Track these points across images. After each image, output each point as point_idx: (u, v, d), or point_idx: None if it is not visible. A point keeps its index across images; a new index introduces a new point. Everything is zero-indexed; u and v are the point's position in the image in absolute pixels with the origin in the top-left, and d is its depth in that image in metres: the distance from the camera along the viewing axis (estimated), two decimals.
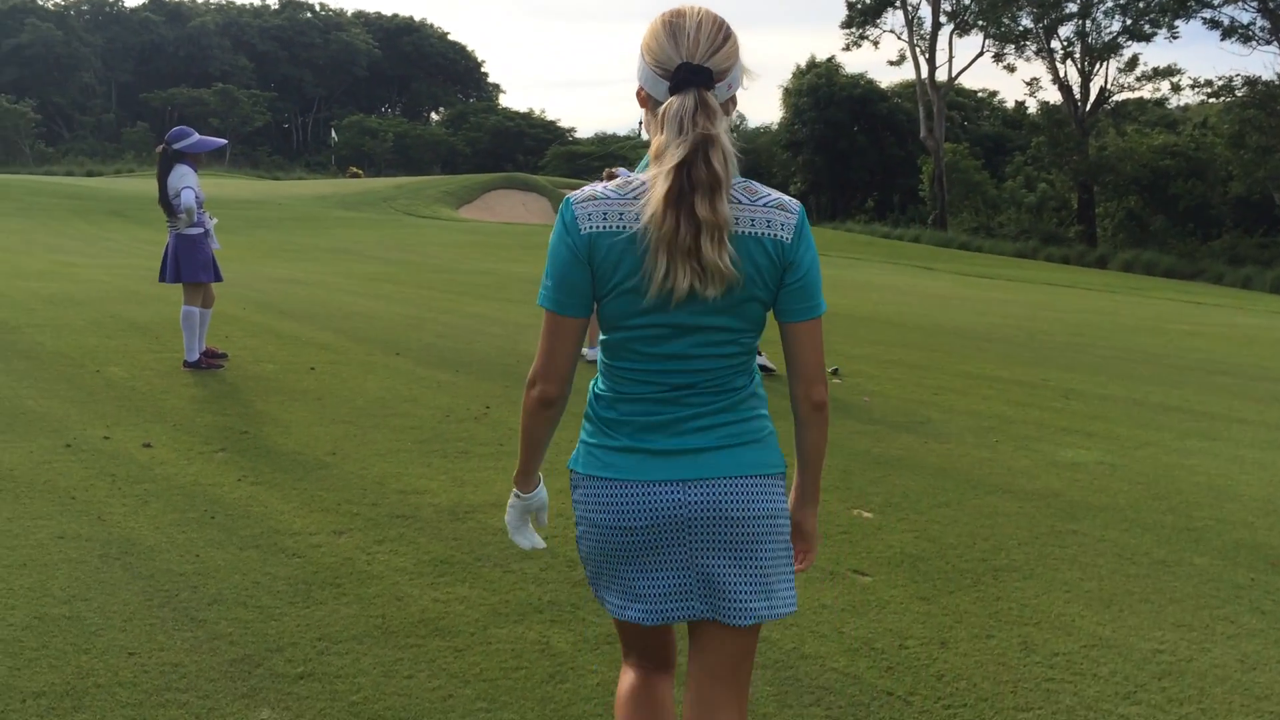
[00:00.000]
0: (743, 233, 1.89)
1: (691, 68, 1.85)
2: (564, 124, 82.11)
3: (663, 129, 1.85)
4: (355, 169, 65.20)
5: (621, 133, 76.26)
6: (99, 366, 7.63)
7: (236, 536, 4.40)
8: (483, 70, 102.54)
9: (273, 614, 3.66)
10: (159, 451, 5.59)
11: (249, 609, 3.69)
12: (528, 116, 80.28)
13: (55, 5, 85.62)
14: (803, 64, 58.57)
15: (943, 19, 47.36)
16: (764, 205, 1.92)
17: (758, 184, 1.95)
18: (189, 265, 7.65)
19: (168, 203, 7.67)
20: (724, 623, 2.01)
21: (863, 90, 56.21)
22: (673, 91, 1.86)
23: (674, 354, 1.94)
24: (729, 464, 1.99)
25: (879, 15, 48.77)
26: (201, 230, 7.73)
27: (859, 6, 48.73)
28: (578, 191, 1.96)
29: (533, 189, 42.23)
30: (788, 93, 58.65)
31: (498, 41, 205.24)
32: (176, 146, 7.61)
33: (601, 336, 2.03)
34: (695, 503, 1.97)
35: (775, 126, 61.63)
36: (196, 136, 7.64)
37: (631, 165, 49.12)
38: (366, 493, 5.08)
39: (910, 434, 6.89)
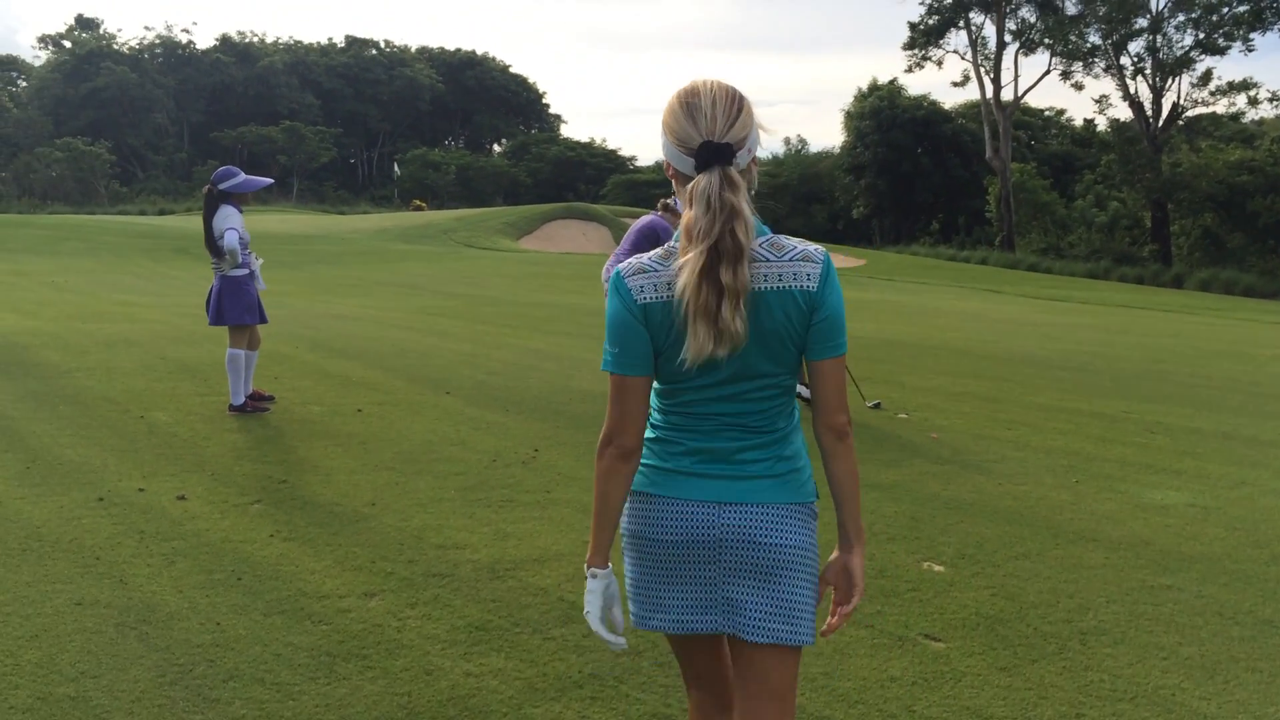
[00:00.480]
0: (772, 288, 2.06)
1: (713, 146, 2.03)
2: (625, 153, 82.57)
3: (692, 204, 2.03)
4: (419, 202, 65.86)
5: None
6: (144, 411, 7.50)
7: (262, 600, 4.15)
8: (544, 101, 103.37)
9: (291, 692, 3.39)
10: (193, 504, 5.38)
11: (266, 686, 3.42)
12: (589, 146, 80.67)
13: (130, 49, 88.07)
14: (864, 87, 58.11)
15: (1007, 38, 46.66)
16: (790, 260, 2.08)
17: (784, 238, 2.12)
18: (233, 308, 7.51)
19: (213, 244, 7.55)
20: (742, 638, 2.16)
21: (926, 112, 55.56)
22: (698, 169, 2.04)
23: (721, 397, 2.13)
24: (763, 492, 2.15)
25: (942, 36, 48.20)
26: (246, 271, 7.59)
27: (921, 27, 48.19)
28: (626, 265, 2.15)
29: (593, 218, 42.21)
30: (849, 116, 58.19)
31: (559, 73, 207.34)
32: (221, 187, 7.49)
33: (656, 385, 2.20)
34: (727, 524, 2.13)
35: (837, 150, 61.12)
36: (242, 177, 7.52)
37: None
38: (404, 548, 4.82)
39: (983, 474, 6.47)
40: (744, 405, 2.14)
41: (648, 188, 66.38)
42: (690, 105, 2.07)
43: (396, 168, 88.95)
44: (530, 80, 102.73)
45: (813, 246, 2.11)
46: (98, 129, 77.32)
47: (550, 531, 5.15)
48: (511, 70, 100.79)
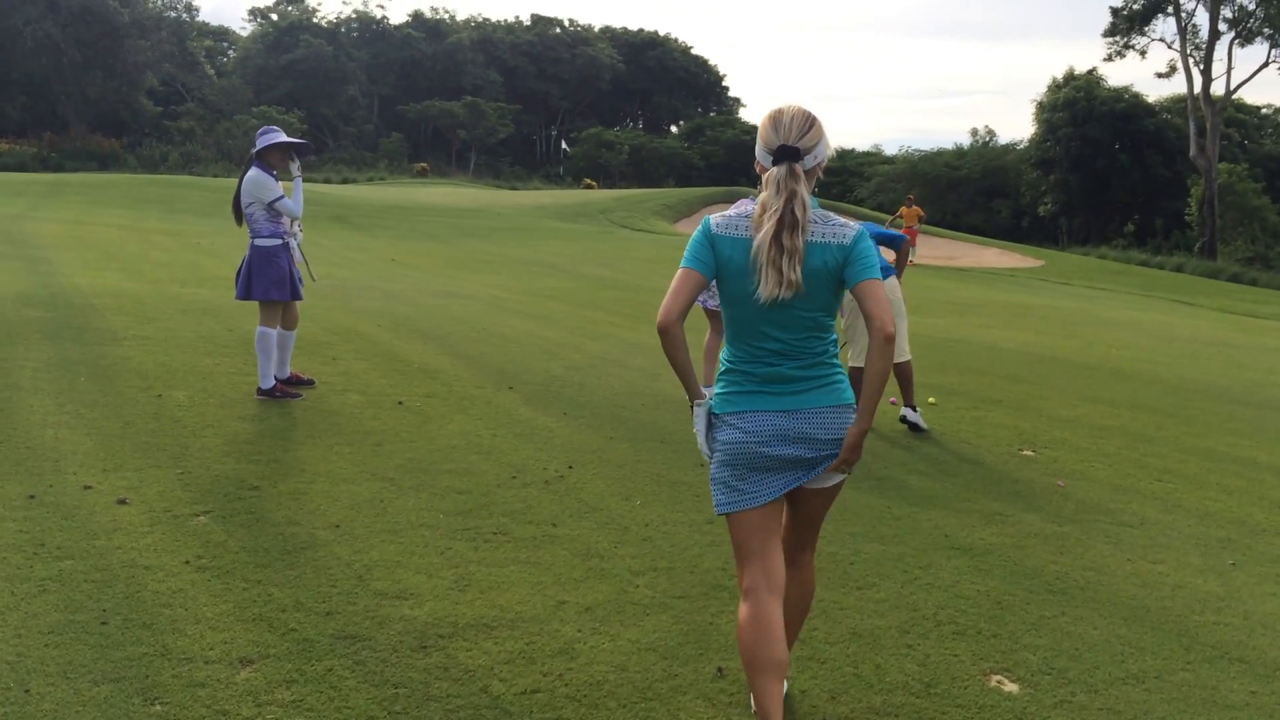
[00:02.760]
0: (817, 241, 2.87)
1: (786, 148, 2.88)
2: None
3: (767, 187, 2.89)
4: (589, 181, 65.79)
5: (862, 148, 73.74)
6: (165, 389, 6.87)
7: (109, 659, 3.30)
8: (724, 84, 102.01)
9: None
10: (129, 512, 4.62)
11: None
12: None
13: (328, 22, 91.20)
14: (1059, 76, 54.59)
15: (1222, 26, 42.76)
16: (832, 225, 2.91)
17: (832, 214, 2.95)
18: (260, 280, 6.79)
19: (238, 210, 6.85)
20: (808, 486, 3.05)
21: (1126, 104, 51.74)
22: (774, 164, 2.89)
23: (769, 320, 2.92)
24: (813, 400, 2.96)
25: (1148, 22, 44.65)
26: (278, 242, 6.86)
27: (1125, 13, 44.74)
28: (715, 216, 3.01)
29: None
30: (1041, 107, 54.83)
31: (743, 56, 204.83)
32: (255, 150, 6.77)
33: (724, 315, 3.03)
34: (791, 426, 2.95)
35: (1025, 143, 57.74)
36: (272, 135, 6.77)
37: (866, 179, 46.48)
38: (332, 594, 3.91)
39: (1110, 544, 5.12)
40: (787, 333, 2.92)
41: (823, 175, 64.45)
42: (775, 120, 2.91)
43: (565, 145, 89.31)
44: (711, 62, 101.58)
45: (852, 222, 2.90)
46: (294, 99, 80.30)
47: (525, 584, 4.15)
48: (693, 52, 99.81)
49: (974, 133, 63.42)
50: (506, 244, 25.37)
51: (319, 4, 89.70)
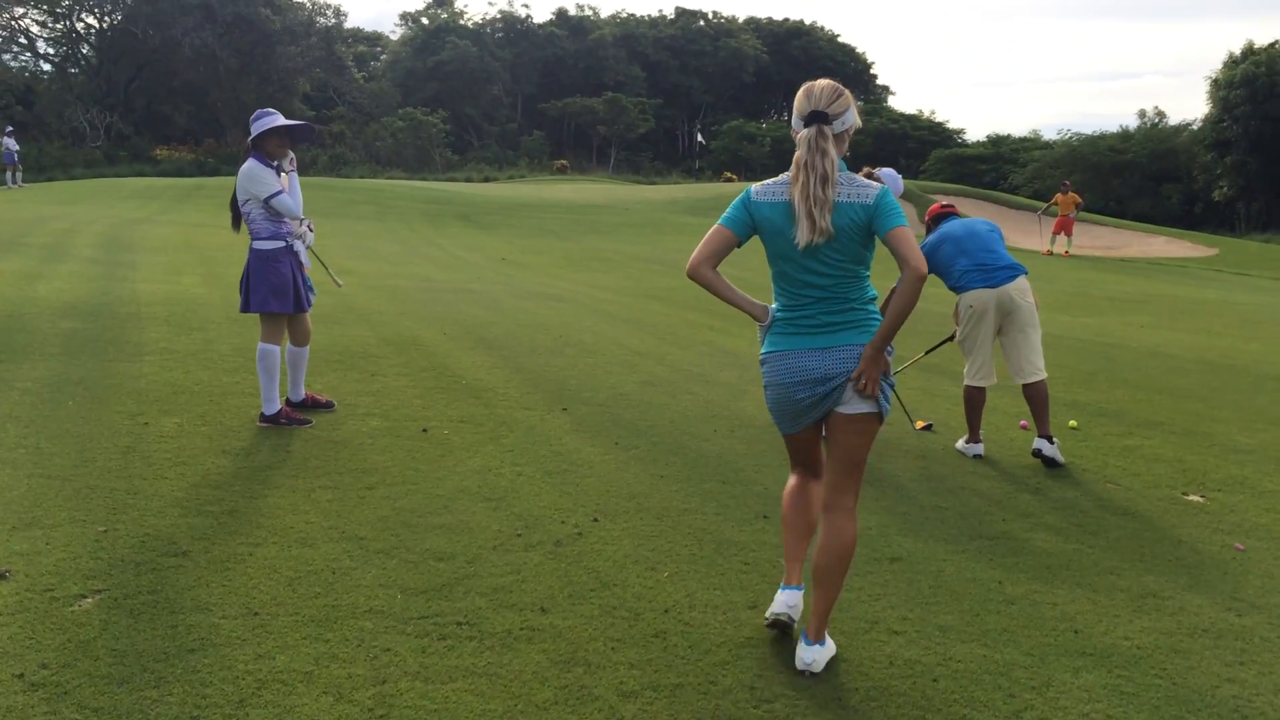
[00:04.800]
0: (844, 200, 3.20)
1: (817, 113, 3.24)
2: (953, 125, 76.94)
3: (800, 147, 3.24)
4: (729, 174, 64.40)
5: (1018, 133, 70.02)
6: (158, 415, 6.02)
7: None
8: (872, 72, 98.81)
9: None
10: (1, 590, 3.68)
11: None
12: (913, 119, 75.70)
13: (474, 24, 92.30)
14: (1237, 52, 50.39)
15: None
16: (858, 186, 3.20)
17: (856, 175, 3.25)
18: (259, 289, 5.86)
19: (236, 210, 5.94)
20: (838, 411, 3.37)
21: None
22: (805, 126, 3.26)
23: (807, 269, 3.29)
24: (845, 339, 3.31)
25: None
26: (280, 245, 5.91)
27: None
28: (756, 185, 3.37)
29: (901, 194, 38.64)
30: (1216, 85, 50.69)
31: (892, 43, 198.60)
32: (251, 138, 5.84)
33: (772, 273, 3.43)
34: (826, 364, 3.31)
35: (1199, 124, 53.59)
36: (268, 119, 5.80)
37: (1021, 166, 43.72)
38: None
39: None
40: (821, 279, 3.30)
41: (975, 163, 61.38)
42: (808, 91, 3.30)
43: (699, 137, 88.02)
44: (859, 50, 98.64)
45: (876, 183, 3.23)
46: (440, 100, 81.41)
47: (464, 716, 3.02)
48: (840, 40, 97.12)
49: (1141, 114, 59.25)
50: (629, 240, 24.36)
51: (465, 6, 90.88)
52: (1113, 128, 58.89)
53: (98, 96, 61.81)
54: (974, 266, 6.07)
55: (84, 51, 66.15)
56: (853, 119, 3.29)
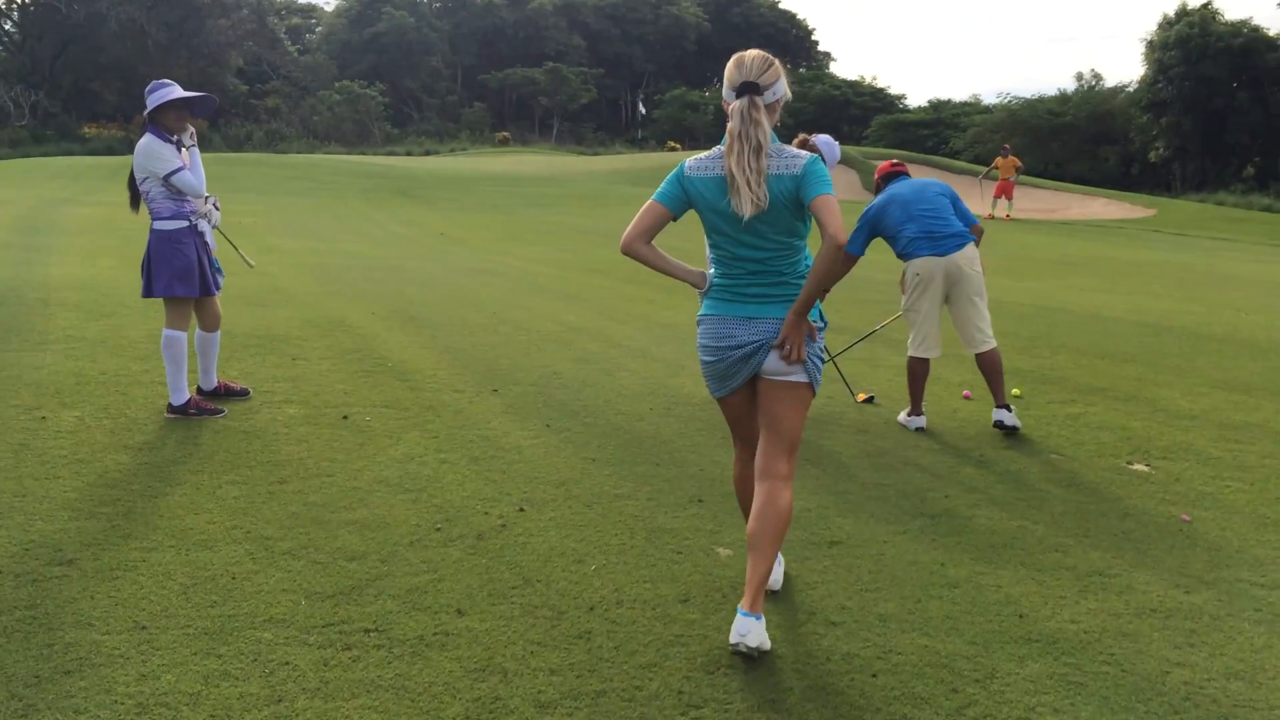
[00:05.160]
0: (776, 173, 3.22)
1: (749, 83, 3.24)
2: (894, 91, 77.04)
3: (732, 118, 3.24)
4: (673, 144, 64.04)
5: (959, 98, 70.36)
6: (58, 408, 5.66)
7: None
8: (814, 38, 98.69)
9: None
10: None
11: None
12: (855, 85, 75.54)
13: None
14: (1171, 13, 50.82)
15: None
16: (787, 156, 3.24)
17: (786, 146, 3.29)
18: (160, 274, 5.50)
19: (134, 189, 5.57)
20: (764, 377, 3.41)
21: (1245, 40, 47.78)
22: (737, 98, 3.26)
23: (745, 248, 3.32)
24: (773, 311, 3.34)
25: None
26: (183, 225, 5.56)
27: None
28: (690, 159, 3.36)
29: (841, 161, 38.58)
30: (1151, 46, 51.10)
31: (833, 7, 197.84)
32: (147, 111, 5.46)
33: (708, 242, 3.47)
34: (752, 333, 3.35)
35: (1134, 86, 54.09)
36: (164, 91, 5.43)
37: (962, 131, 43.74)
38: None
39: (1261, 625, 3.56)
40: (755, 252, 3.32)
41: (917, 128, 61.49)
42: (739, 62, 3.29)
43: (641, 107, 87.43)
44: (799, 17, 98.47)
45: (803, 152, 3.25)
46: (377, 73, 79.99)
47: None
48: (780, 6, 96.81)
49: (1079, 77, 59.83)
50: (570, 212, 24.01)
51: None
52: (1050, 91, 59.26)
53: (22, 74, 59.92)
54: (921, 234, 5.86)
55: (5, 27, 64.03)
56: (783, 90, 3.29)
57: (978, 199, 28.59)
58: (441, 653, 3.21)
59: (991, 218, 25.98)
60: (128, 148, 53.10)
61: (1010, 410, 5.86)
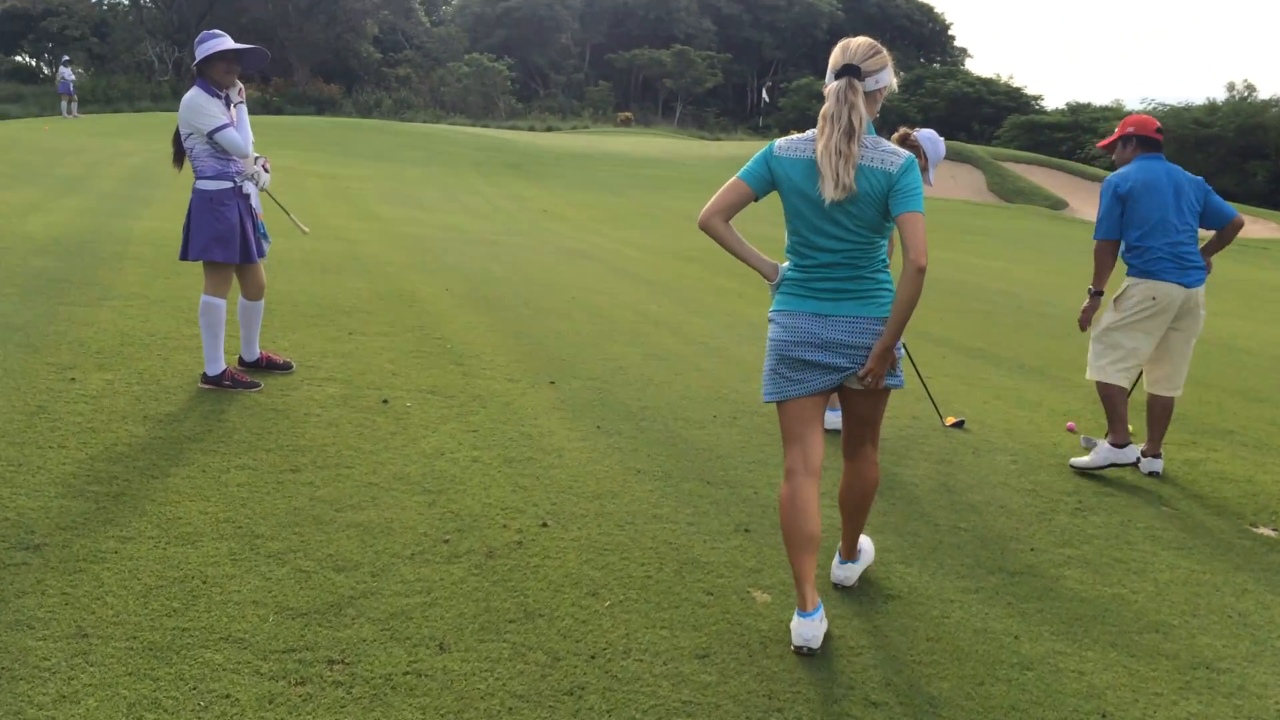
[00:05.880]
0: (869, 165, 3.07)
1: (849, 66, 3.10)
2: (1031, 91, 74.33)
3: (829, 99, 3.11)
4: (795, 133, 62.87)
5: (1100, 102, 67.50)
6: (92, 370, 5.41)
7: None
8: (950, 33, 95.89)
9: None
10: None
11: None
12: (989, 82, 73.07)
13: None
14: None
15: None
16: (884, 150, 3.09)
17: (884, 140, 3.13)
18: (199, 235, 5.19)
19: (178, 145, 5.26)
20: (850, 386, 3.31)
21: None
22: (836, 79, 3.12)
23: (825, 238, 3.17)
24: (849, 309, 3.20)
25: None
26: (227, 185, 5.23)
27: None
28: (780, 140, 3.22)
29: (968, 160, 37.11)
30: None
31: (973, 1, 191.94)
32: (195, 63, 5.14)
33: (788, 229, 3.28)
34: (827, 329, 3.21)
35: None
36: (215, 41, 5.10)
37: (1100, 136, 42.13)
38: None
39: None
40: (834, 243, 3.17)
41: (1051, 131, 59.14)
42: (844, 46, 3.16)
43: (765, 95, 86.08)
44: (937, 10, 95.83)
45: (902, 149, 3.11)
46: (508, 47, 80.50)
47: None
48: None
49: (1230, 87, 56.64)
50: (680, 197, 23.49)
51: None
52: (1198, 100, 56.33)
53: (169, 31, 61.88)
54: (1170, 254, 5.11)
55: None
56: (888, 79, 3.17)
57: None
58: (407, 698, 2.77)
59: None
60: (262, 107, 54.46)
61: (1159, 458, 5.29)
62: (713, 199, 3.26)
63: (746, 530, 4.14)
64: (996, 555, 4.12)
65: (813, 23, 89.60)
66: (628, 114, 68.85)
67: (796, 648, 3.18)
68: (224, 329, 5.34)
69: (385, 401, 5.41)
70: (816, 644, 3.17)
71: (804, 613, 3.19)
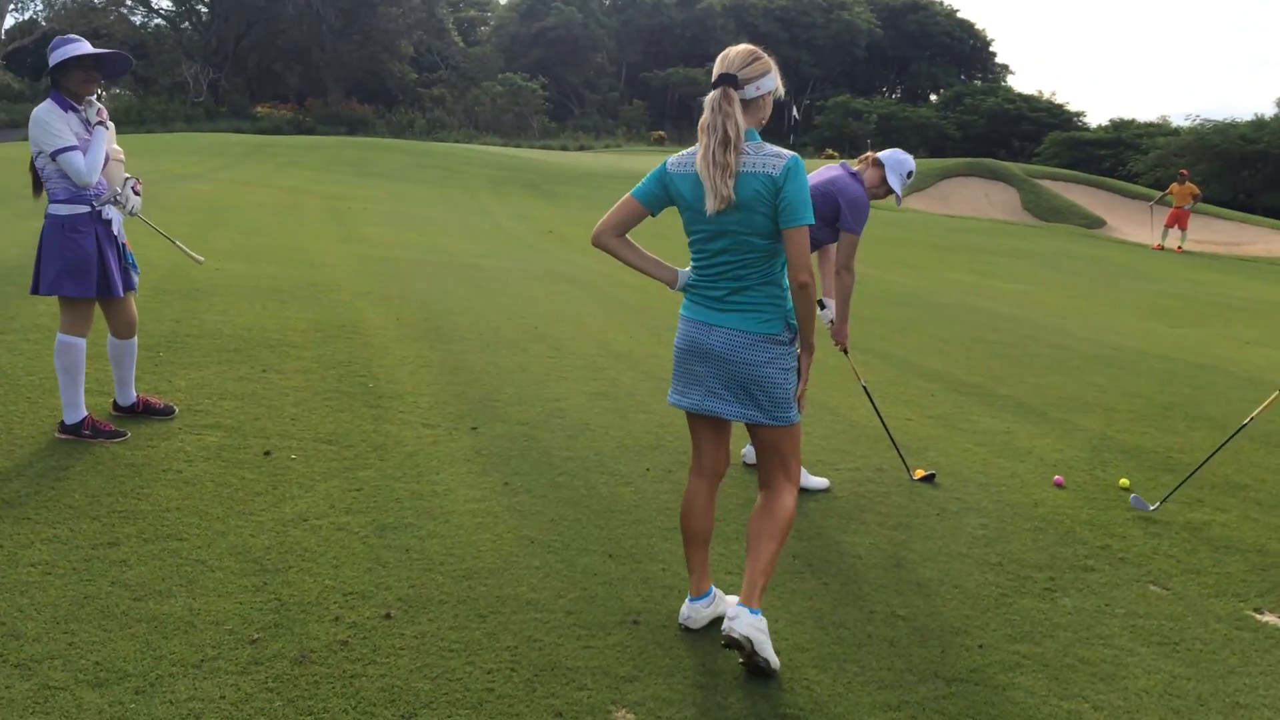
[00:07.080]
0: (750, 171, 3.05)
1: (725, 75, 3.10)
2: (1073, 108, 72.82)
3: (705, 110, 3.09)
4: (830, 151, 62.09)
5: (1144, 119, 66.02)
6: None
7: None
8: (991, 49, 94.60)
9: None
10: None
11: None
12: (1030, 99, 71.65)
13: None
14: None
15: None
16: (765, 155, 3.06)
17: (768, 145, 3.09)
18: (49, 266, 4.59)
19: (33, 166, 4.68)
20: (724, 418, 3.30)
21: None
22: (713, 89, 3.13)
23: (715, 249, 3.17)
24: (730, 321, 3.19)
25: None
26: (83, 210, 4.63)
27: None
28: (673, 156, 3.25)
29: (1001, 177, 36.03)
30: None
31: (1014, 18, 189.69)
32: (48, 70, 4.56)
33: (689, 245, 3.28)
34: (712, 341, 3.22)
35: None
36: (67, 47, 4.51)
37: (1144, 153, 40.67)
38: None
39: None
40: (728, 256, 3.16)
41: (1093, 148, 57.84)
42: (723, 56, 3.17)
43: (795, 112, 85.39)
44: (978, 26, 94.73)
45: (786, 151, 3.07)
46: (543, 66, 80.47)
47: None
48: (958, 15, 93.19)
49: (1278, 103, 55.07)
50: None
51: None
52: (1245, 115, 54.83)
53: (206, 53, 62.39)
54: None
55: (197, 7, 66.72)
56: (770, 85, 3.18)
57: (1147, 227, 26.13)
58: None
59: (1161, 249, 23.62)
60: (294, 128, 54.56)
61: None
62: (606, 215, 3.28)
63: (635, 622, 3.46)
64: (934, 656, 3.40)
65: (851, 40, 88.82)
66: (661, 133, 68.37)
67: (681, 623, 3.42)
68: (83, 371, 4.75)
69: (267, 454, 4.78)
70: (695, 625, 3.40)
71: (692, 598, 3.43)
